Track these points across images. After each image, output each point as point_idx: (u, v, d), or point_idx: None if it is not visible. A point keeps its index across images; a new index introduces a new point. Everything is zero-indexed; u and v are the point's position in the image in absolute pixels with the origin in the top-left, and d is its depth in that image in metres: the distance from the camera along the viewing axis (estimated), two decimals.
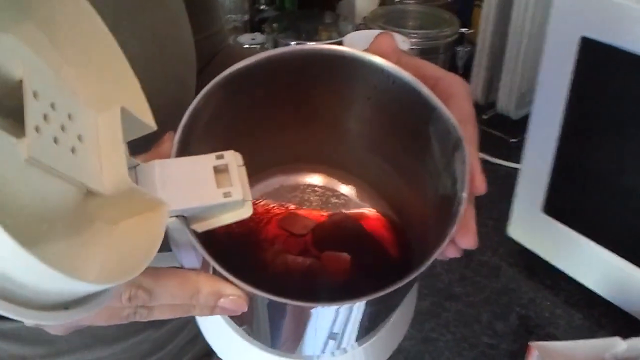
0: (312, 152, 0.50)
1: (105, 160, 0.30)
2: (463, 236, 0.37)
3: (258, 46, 1.03)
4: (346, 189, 0.51)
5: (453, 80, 0.42)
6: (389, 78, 0.41)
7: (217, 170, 0.36)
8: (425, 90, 0.39)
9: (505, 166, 1.06)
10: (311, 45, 0.40)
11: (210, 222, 0.36)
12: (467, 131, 0.39)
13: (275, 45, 1.13)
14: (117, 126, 0.31)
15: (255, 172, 0.49)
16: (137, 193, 0.31)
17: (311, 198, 0.51)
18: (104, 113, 0.31)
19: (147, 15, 0.49)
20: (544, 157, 0.80)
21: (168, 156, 0.36)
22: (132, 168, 0.35)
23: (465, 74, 1.15)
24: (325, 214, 0.50)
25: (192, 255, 0.37)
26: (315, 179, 0.51)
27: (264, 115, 0.45)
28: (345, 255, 0.45)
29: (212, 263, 0.34)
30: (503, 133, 1.12)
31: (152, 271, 0.34)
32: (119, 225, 0.32)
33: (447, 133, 0.39)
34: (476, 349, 0.76)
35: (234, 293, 0.35)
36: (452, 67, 1.23)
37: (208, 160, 0.36)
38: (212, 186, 0.35)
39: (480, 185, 0.38)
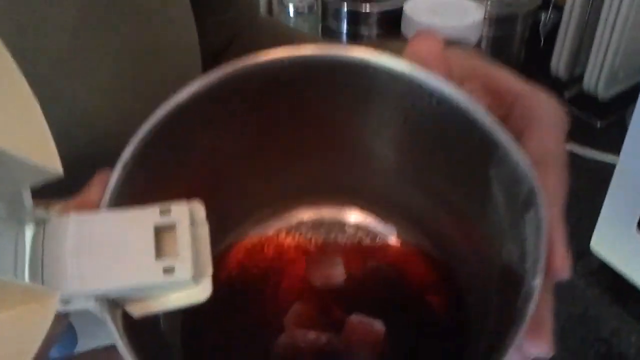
0: (336, 183, 0.37)
1: None
2: (533, 341, 0.24)
3: (305, 11, 0.90)
4: (384, 229, 0.38)
5: (539, 100, 0.29)
6: (430, 97, 0.28)
7: (164, 229, 0.24)
8: (484, 117, 0.26)
9: (589, 157, 0.84)
10: (322, 48, 0.26)
11: (151, 304, 0.24)
12: (549, 181, 0.26)
13: (325, 9, 0.98)
14: None
15: (264, 205, 0.38)
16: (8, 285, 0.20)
17: (338, 238, 0.38)
18: None
19: (127, 28, 0.37)
20: None
21: (94, 207, 0.25)
22: (40, 224, 0.24)
23: (549, 45, 0.98)
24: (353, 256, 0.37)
25: None
26: (343, 214, 0.39)
27: (269, 142, 0.33)
28: (379, 326, 0.33)
29: None
30: (588, 115, 0.91)
31: None
32: None
33: (516, 182, 0.26)
34: None
35: None
36: (533, 37, 1.06)
37: (148, 216, 0.24)
38: (149, 256, 0.23)
39: (562, 270, 0.25)
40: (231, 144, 0.32)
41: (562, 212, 0.26)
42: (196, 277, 0.24)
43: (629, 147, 0.60)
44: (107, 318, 0.23)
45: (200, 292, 0.24)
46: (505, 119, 0.28)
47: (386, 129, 0.32)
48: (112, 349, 0.28)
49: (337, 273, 0.36)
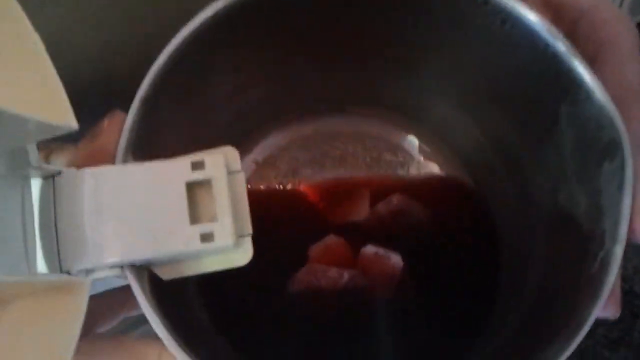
0: (361, 91, 0.33)
1: None
2: (605, 306, 0.22)
3: None
4: (406, 141, 0.35)
5: (610, 18, 0.24)
6: (495, 16, 0.23)
7: (194, 186, 0.21)
8: (564, 50, 0.22)
9: None
10: None
11: (183, 268, 0.21)
12: (631, 124, 0.22)
13: None
14: None
15: (280, 115, 0.34)
16: (18, 281, 0.16)
17: (357, 151, 0.35)
18: None
19: None
20: None
21: (109, 157, 0.21)
22: (49, 178, 0.20)
23: None
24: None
25: None
26: (364, 125, 0.35)
27: (292, 48, 0.28)
28: (396, 259, 0.31)
29: (172, 348, 0.20)
30: None
31: (86, 348, 0.21)
32: (6, 309, 0.18)
33: (596, 127, 0.22)
34: None
35: None
36: None
37: (178, 172, 0.20)
38: (183, 220, 0.20)
39: None
40: (255, 58, 0.28)
41: None
42: (237, 240, 0.21)
43: None
44: (134, 285, 0.20)
45: (240, 255, 0.21)
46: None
47: (437, 44, 0.28)
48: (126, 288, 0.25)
49: (360, 210, 0.33)
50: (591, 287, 0.21)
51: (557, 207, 0.26)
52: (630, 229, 0.22)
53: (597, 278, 0.21)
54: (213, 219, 0.20)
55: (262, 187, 0.34)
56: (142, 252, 0.20)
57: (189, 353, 0.20)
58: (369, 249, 0.32)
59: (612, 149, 0.22)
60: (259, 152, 0.35)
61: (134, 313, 0.27)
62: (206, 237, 0.20)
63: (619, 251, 0.21)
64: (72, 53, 0.20)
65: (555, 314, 0.23)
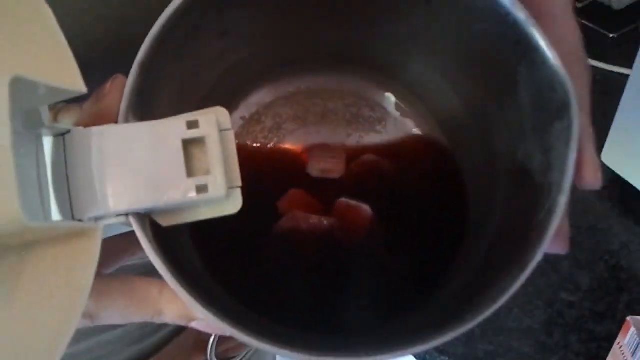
0: (341, 49, 0.35)
1: None
2: (553, 244, 0.25)
3: None
4: (384, 98, 0.38)
5: None
6: None
7: (191, 142, 0.23)
8: (524, 18, 0.25)
9: (600, 68, 0.79)
10: None
11: (180, 216, 0.24)
12: (575, 80, 0.25)
13: None
14: (3, 119, 0.18)
15: (265, 74, 0.36)
16: (41, 227, 0.19)
17: (337, 107, 0.37)
18: None
19: None
20: None
21: (113, 117, 0.23)
22: (59, 137, 0.22)
23: None
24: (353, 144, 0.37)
25: None
26: (344, 83, 0.38)
27: (275, 8, 0.30)
28: (366, 209, 0.34)
29: (174, 285, 0.23)
30: (600, 26, 0.85)
31: (95, 286, 0.24)
32: (30, 253, 0.20)
33: (549, 89, 0.25)
34: (552, 307, 0.59)
35: (208, 317, 0.25)
36: None
37: (174, 130, 0.23)
38: (180, 173, 0.23)
39: (591, 179, 0.25)
40: (241, 20, 0.30)
41: (590, 117, 0.26)
42: (228, 191, 0.23)
43: None
44: (138, 230, 0.23)
45: (230, 204, 0.24)
46: None
47: (409, 9, 0.30)
48: (129, 236, 0.28)
49: (335, 168, 0.35)
50: (539, 230, 0.24)
51: (516, 161, 0.29)
52: (579, 177, 0.25)
53: (544, 223, 0.24)
54: (207, 172, 0.23)
55: (249, 143, 0.37)
56: (145, 202, 0.22)
57: (187, 289, 0.23)
58: (342, 201, 0.35)
59: (562, 110, 0.25)
60: (245, 109, 0.38)
61: (133, 258, 0.30)
62: (201, 189, 0.23)
63: (563, 200, 0.24)
64: (79, 24, 0.22)
65: (509, 253, 0.26)
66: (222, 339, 0.52)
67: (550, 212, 0.24)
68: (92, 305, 0.24)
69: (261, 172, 0.36)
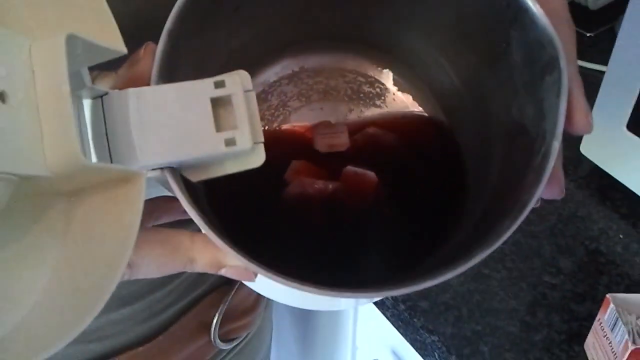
0: (340, 28, 0.38)
1: (46, 124, 0.20)
2: (547, 187, 0.27)
3: None
4: (382, 74, 0.40)
5: None
6: None
7: (217, 101, 0.25)
8: None
9: (579, 66, 0.84)
10: None
11: (208, 170, 0.26)
12: (563, 38, 0.27)
13: None
14: (62, 68, 0.20)
15: (271, 53, 0.39)
16: (98, 169, 0.21)
17: (339, 85, 0.40)
18: (39, 44, 0.20)
19: None
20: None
21: (146, 80, 0.25)
22: (98, 98, 0.25)
23: None
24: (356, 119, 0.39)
25: None
26: (345, 61, 0.40)
27: None
28: (371, 175, 0.36)
29: (208, 232, 0.25)
30: (578, 25, 0.86)
31: None
32: (79, 199, 0.22)
33: (539, 47, 0.28)
34: (535, 289, 0.62)
35: (237, 264, 0.27)
36: None
37: (203, 90, 0.25)
38: (210, 129, 0.25)
39: (583, 123, 0.27)
40: None
41: (577, 68, 0.29)
42: (253, 146, 0.25)
43: (617, 54, 0.60)
44: (173, 184, 0.25)
45: (255, 158, 0.26)
46: None
47: None
48: (154, 201, 0.30)
49: (342, 142, 0.38)
50: (536, 174, 0.27)
51: (510, 119, 0.31)
52: (570, 124, 0.27)
53: (540, 167, 0.27)
54: (234, 127, 0.25)
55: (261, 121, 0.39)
56: (178, 155, 0.24)
57: (222, 237, 0.25)
58: (349, 169, 0.37)
59: (552, 64, 0.27)
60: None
61: (158, 222, 0.32)
62: (229, 142, 0.25)
63: (556, 144, 0.26)
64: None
65: (509, 198, 0.28)
66: (225, 321, 0.54)
67: (545, 156, 0.26)
68: (132, 255, 0.26)
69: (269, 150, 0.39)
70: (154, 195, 0.31)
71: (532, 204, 0.26)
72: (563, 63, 0.26)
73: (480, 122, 0.35)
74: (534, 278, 0.62)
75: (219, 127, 0.25)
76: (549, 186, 0.27)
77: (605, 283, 0.59)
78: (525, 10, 0.27)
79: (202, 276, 0.54)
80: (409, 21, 0.36)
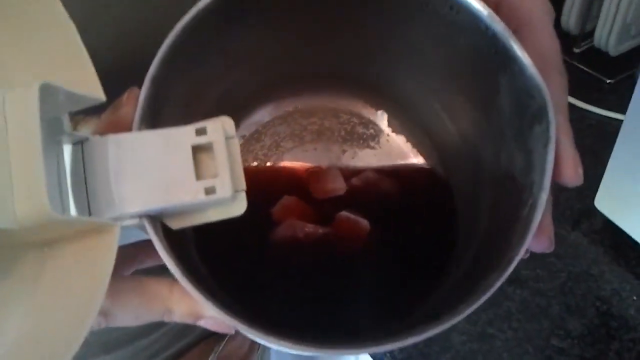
0: (334, 70, 0.38)
1: (17, 176, 0.20)
2: (535, 239, 0.27)
3: None
4: (376, 116, 0.40)
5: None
6: (447, 3, 0.28)
7: (199, 148, 0.25)
8: (502, 30, 0.27)
9: (596, 114, 0.78)
10: None
11: (189, 218, 0.26)
12: (552, 87, 0.27)
13: None
14: (34, 118, 0.20)
15: (264, 93, 0.39)
16: (68, 222, 0.21)
17: (333, 126, 0.40)
18: (12, 93, 0.20)
19: None
20: None
21: (128, 125, 0.25)
22: (77, 144, 0.24)
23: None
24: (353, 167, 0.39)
25: None
26: (339, 102, 0.40)
27: (273, 32, 0.33)
28: (364, 223, 0.36)
29: (184, 283, 0.24)
30: (598, 71, 0.85)
31: (109, 286, 0.25)
32: (52, 249, 0.22)
33: (527, 96, 0.27)
34: (542, 353, 0.59)
35: (215, 316, 0.26)
36: None
37: (184, 137, 0.25)
38: (190, 177, 0.24)
39: (572, 176, 0.27)
40: (240, 42, 0.32)
41: (567, 117, 0.28)
42: (233, 194, 0.25)
43: (637, 102, 0.56)
44: (150, 232, 0.25)
45: (236, 206, 0.26)
46: None
47: (395, 24, 0.32)
48: (139, 244, 0.30)
49: (339, 186, 0.37)
50: (523, 227, 0.26)
51: (500, 166, 0.31)
52: (559, 175, 0.27)
53: (527, 219, 0.26)
54: (214, 176, 0.25)
55: (249, 161, 0.39)
56: (158, 203, 0.24)
57: (197, 287, 0.24)
58: (343, 214, 0.37)
59: (540, 114, 0.27)
60: (246, 128, 0.40)
61: (141, 266, 0.32)
62: (209, 190, 0.24)
63: (543, 197, 0.26)
64: (94, 40, 0.24)
65: (496, 252, 0.27)
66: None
67: (532, 208, 0.26)
68: (107, 302, 0.25)
69: (261, 189, 0.38)
70: (139, 239, 0.31)
71: (519, 257, 0.26)
72: (551, 114, 0.26)
73: (471, 166, 0.35)
74: (540, 340, 0.59)
75: (199, 175, 0.25)
76: (538, 239, 0.27)
77: (616, 349, 0.56)
78: (513, 59, 0.27)
79: (186, 328, 0.53)
80: (401, 65, 0.36)
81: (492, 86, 0.29)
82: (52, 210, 0.19)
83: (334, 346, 0.24)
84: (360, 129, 0.40)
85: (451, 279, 0.32)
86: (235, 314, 0.25)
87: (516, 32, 0.28)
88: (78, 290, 0.21)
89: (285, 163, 0.40)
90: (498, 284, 0.25)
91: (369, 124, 0.40)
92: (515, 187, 0.28)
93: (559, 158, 0.26)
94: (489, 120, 0.31)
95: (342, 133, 0.40)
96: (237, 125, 0.39)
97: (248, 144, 0.40)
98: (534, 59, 0.27)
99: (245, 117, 0.40)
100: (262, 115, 0.40)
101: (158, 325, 0.50)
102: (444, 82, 0.34)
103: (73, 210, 0.23)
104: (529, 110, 0.27)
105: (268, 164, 0.39)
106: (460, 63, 0.31)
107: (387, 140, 0.40)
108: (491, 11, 0.27)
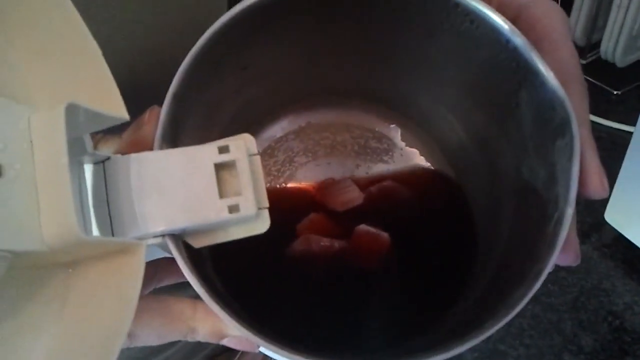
0: (348, 85, 0.38)
1: (44, 197, 0.19)
2: (562, 254, 0.26)
3: None
4: (390, 130, 0.40)
5: (546, 11, 0.29)
6: (467, 18, 0.28)
7: (221, 166, 0.25)
8: (522, 44, 0.27)
9: (604, 125, 0.78)
10: None
11: (211, 236, 0.26)
12: (574, 101, 0.27)
13: None
14: (61, 140, 0.19)
15: (278, 108, 0.38)
16: (96, 242, 0.20)
17: (346, 140, 0.39)
18: (38, 115, 0.19)
19: None
20: None
21: (150, 144, 0.25)
22: (99, 164, 0.24)
23: (566, 7, 0.88)
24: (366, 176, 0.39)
25: None
26: (351, 116, 0.40)
27: (291, 49, 0.33)
28: (385, 236, 0.35)
29: (209, 302, 0.24)
30: (605, 83, 0.85)
31: None
32: (78, 270, 0.22)
33: (549, 108, 0.27)
34: None
35: (239, 335, 0.26)
36: None
37: (207, 155, 0.25)
38: (213, 195, 0.24)
39: (598, 188, 0.26)
40: (258, 58, 0.32)
41: (590, 130, 0.28)
42: (257, 211, 0.25)
43: None
44: (174, 251, 0.24)
45: (260, 224, 0.25)
46: None
47: (415, 44, 0.32)
48: (157, 263, 0.29)
49: (356, 196, 0.37)
50: (549, 242, 0.26)
51: (520, 179, 0.30)
52: (584, 188, 0.26)
53: (553, 234, 0.26)
54: (237, 194, 0.24)
55: (267, 177, 0.38)
56: (181, 222, 0.24)
57: (222, 306, 0.24)
58: (362, 227, 0.37)
59: (563, 127, 0.26)
60: (259, 143, 0.39)
61: (160, 284, 0.32)
62: (233, 209, 0.24)
63: (570, 211, 0.26)
64: (113, 59, 0.23)
65: (521, 266, 0.27)
66: None
67: (559, 223, 0.26)
68: (131, 324, 0.25)
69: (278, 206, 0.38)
70: (157, 257, 0.31)
71: (546, 272, 0.25)
72: (575, 127, 0.26)
73: (489, 179, 0.34)
74: (553, 356, 0.58)
75: (222, 193, 0.24)
76: (564, 253, 0.26)
77: None
78: (534, 73, 0.27)
79: (199, 344, 0.52)
80: (417, 80, 0.35)
81: (512, 99, 0.29)
82: (80, 231, 0.19)
83: None
84: (373, 143, 0.40)
85: (472, 293, 0.32)
86: (259, 332, 0.24)
87: (536, 45, 0.28)
88: (106, 312, 0.21)
89: (299, 179, 0.39)
90: (526, 299, 0.25)
91: (382, 138, 0.40)
92: (539, 201, 0.28)
93: (584, 171, 0.26)
94: (509, 133, 0.31)
95: (356, 147, 0.40)
96: None
97: (261, 160, 0.39)
98: (555, 72, 0.27)
99: (259, 132, 0.39)
100: (276, 130, 0.40)
101: (168, 345, 0.50)
102: (461, 97, 0.34)
103: (95, 231, 0.23)
104: (551, 124, 0.27)
105: (281, 179, 0.39)
106: (478, 77, 0.31)
107: (401, 155, 0.40)
108: (512, 25, 0.27)
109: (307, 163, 0.40)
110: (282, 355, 0.24)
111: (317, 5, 0.30)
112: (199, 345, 0.50)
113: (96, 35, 0.23)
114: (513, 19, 0.29)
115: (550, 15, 0.29)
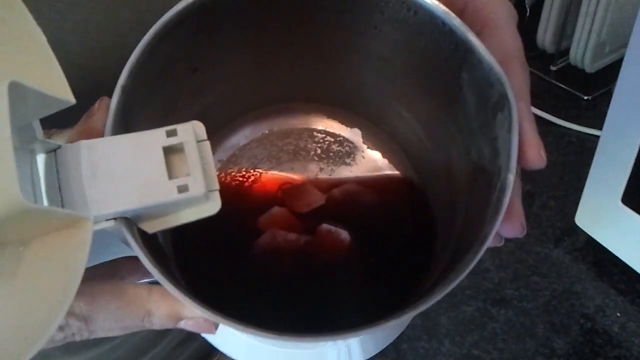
0: (306, 90, 0.39)
1: None
2: (507, 224, 0.27)
3: None
4: (350, 133, 0.41)
5: (488, 1, 0.30)
6: (404, 5, 0.29)
7: (170, 150, 0.26)
8: (459, 26, 0.28)
9: (575, 130, 0.79)
10: None
11: (164, 220, 0.26)
12: (514, 78, 0.28)
13: None
14: (3, 112, 0.20)
15: (238, 116, 0.39)
16: (41, 212, 0.21)
17: (308, 145, 0.40)
18: None
19: None
20: (635, 125, 0.53)
21: (100, 133, 0.26)
22: (51, 152, 0.25)
23: (535, 18, 0.91)
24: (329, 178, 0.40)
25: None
26: (313, 122, 0.41)
27: (240, 52, 0.34)
28: (345, 234, 0.36)
29: (163, 283, 0.25)
30: (575, 89, 0.87)
31: (87, 290, 0.26)
32: (27, 247, 0.22)
33: (488, 85, 0.28)
34: None
35: (195, 316, 0.26)
36: (519, 10, 1.00)
37: (155, 139, 0.25)
38: (162, 177, 0.25)
39: (536, 158, 0.27)
40: (210, 60, 0.33)
41: (529, 105, 0.29)
42: (207, 193, 0.25)
43: (612, 119, 0.56)
44: (127, 235, 0.25)
45: (210, 205, 0.26)
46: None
47: (358, 36, 0.33)
48: (118, 261, 0.30)
49: (317, 198, 0.38)
50: (493, 209, 0.27)
51: (470, 161, 0.31)
52: (523, 159, 0.27)
53: (497, 201, 0.27)
54: (187, 174, 0.25)
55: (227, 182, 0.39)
56: (131, 203, 0.24)
57: (178, 287, 0.24)
58: (324, 227, 0.37)
59: (501, 101, 0.28)
60: (223, 152, 0.40)
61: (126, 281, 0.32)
62: (182, 189, 0.25)
63: (510, 177, 0.26)
64: (64, 57, 0.24)
65: (470, 236, 0.28)
66: None
67: (502, 190, 0.27)
68: (86, 307, 0.25)
69: (239, 205, 0.39)
70: (118, 256, 0.31)
71: (491, 237, 0.26)
72: (512, 98, 0.27)
73: (444, 167, 0.35)
74: None
75: (171, 175, 0.25)
76: (509, 222, 0.27)
77: None
78: (471, 51, 0.28)
79: (174, 351, 0.53)
80: (368, 77, 0.37)
81: (455, 82, 0.30)
82: (24, 199, 0.20)
83: (315, 335, 0.24)
84: (335, 147, 0.41)
85: (431, 278, 0.32)
86: (216, 310, 0.25)
87: (480, 29, 0.29)
88: (53, 282, 0.21)
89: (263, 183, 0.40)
90: (473, 263, 0.25)
91: (344, 141, 0.41)
92: (485, 178, 0.29)
93: (523, 143, 0.27)
94: (457, 118, 0.32)
95: (318, 152, 0.41)
96: (214, 149, 0.40)
97: (226, 168, 0.40)
98: (495, 53, 0.28)
99: (222, 141, 0.40)
100: (239, 139, 0.41)
101: (147, 349, 0.50)
102: (412, 88, 0.35)
103: None
104: (491, 100, 0.28)
105: (246, 185, 0.40)
106: (422, 64, 0.32)
107: (363, 157, 0.41)
108: (446, 8, 0.29)
109: (270, 169, 0.40)
110: (236, 328, 0.24)
111: (254, 9, 0.31)
112: (176, 351, 0.50)
113: (49, 33, 0.24)
114: (461, 9, 0.31)
115: (494, 2, 0.31)
